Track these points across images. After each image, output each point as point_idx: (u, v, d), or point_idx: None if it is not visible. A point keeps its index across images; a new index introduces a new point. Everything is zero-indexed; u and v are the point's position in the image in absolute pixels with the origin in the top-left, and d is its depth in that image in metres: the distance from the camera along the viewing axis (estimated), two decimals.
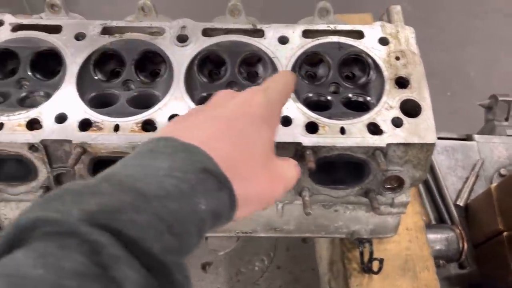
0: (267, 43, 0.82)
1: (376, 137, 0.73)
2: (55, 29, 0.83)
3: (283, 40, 0.83)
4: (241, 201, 0.47)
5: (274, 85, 0.57)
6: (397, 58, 0.81)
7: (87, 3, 2.78)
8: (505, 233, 1.11)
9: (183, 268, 0.39)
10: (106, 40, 0.82)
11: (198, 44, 0.82)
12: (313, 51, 0.82)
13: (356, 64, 0.84)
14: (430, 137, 0.73)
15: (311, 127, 0.74)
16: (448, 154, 1.41)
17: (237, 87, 0.80)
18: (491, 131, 1.49)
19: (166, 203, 0.40)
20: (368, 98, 0.80)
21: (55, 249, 0.34)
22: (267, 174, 0.51)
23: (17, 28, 0.83)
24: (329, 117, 0.75)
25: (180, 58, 0.80)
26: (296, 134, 0.73)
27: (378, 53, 0.81)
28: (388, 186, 0.79)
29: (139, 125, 0.73)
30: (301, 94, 0.79)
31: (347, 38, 0.83)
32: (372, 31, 0.84)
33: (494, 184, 1.21)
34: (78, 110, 0.74)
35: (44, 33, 0.82)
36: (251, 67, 0.85)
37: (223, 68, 0.84)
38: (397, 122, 0.74)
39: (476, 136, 1.45)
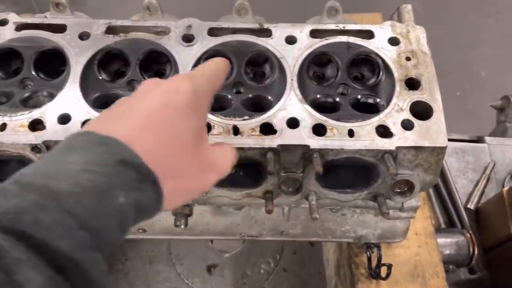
0: (274, 43, 0.81)
1: (385, 140, 0.71)
2: (59, 29, 0.82)
3: (290, 40, 0.81)
4: (169, 193, 0.46)
5: (202, 71, 0.56)
6: (408, 59, 0.79)
7: (96, 3, 2.78)
8: None
9: (100, 264, 0.38)
10: (111, 39, 0.81)
11: (204, 44, 0.80)
12: (321, 51, 0.80)
13: (365, 64, 0.82)
14: (441, 140, 0.71)
15: (319, 129, 0.72)
16: (459, 156, 1.39)
17: (243, 88, 0.79)
18: (503, 133, 1.46)
19: (80, 198, 0.39)
20: (378, 100, 0.78)
21: None
22: (196, 164, 0.50)
23: (21, 27, 0.82)
24: (337, 119, 0.73)
25: (186, 58, 0.79)
26: (303, 136, 0.71)
27: (388, 54, 0.79)
28: (398, 191, 0.77)
29: None
30: (309, 95, 0.77)
31: (356, 38, 0.81)
32: (382, 31, 0.82)
33: (506, 188, 1.18)
34: (82, 110, 0.73)
35: (48, 33, 0.81)
36: (258, 67, 0.84)
37: (229, 68, 0.82)
38: (407, 125, 0.72)
39: (488, 138, 1.42)
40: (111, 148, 0.43)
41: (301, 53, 0.80)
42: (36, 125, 0.72)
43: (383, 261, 0.91)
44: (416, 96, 0.75)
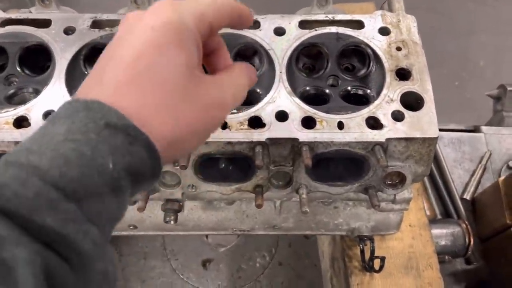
0: (263, 35, 0.79)
1: (375, 131, 0.70)
2: (44, 24, 0.81)
3: (279, 32, 0.80)
4: (170, 145, 0.43)
5: None
6: (398, 49, 0.77)
7: None
8: None
9: (90, 235, 0.37)
10: (96, 34, 0.79)
11: None
12: (310, 43, 0.79)
13: (356, 55, 0.81)
14: (432, 131, 0.70)
15: (308, 122, 0.71)
16: (455, 146, 1.37)
17: None
18: (499, 123, 1.45)
19: (64, 169, 0.37)
20: (368, 91, 0.77)
21: None
22: (195, 104, 0.45)
23: (5, 23, 0.81)
24: (327, 112, 0.72)
25: None
26: (292, 129, 0.70)
27: (378, 44, 0.78)
28: (389, 183, 0.76)
29: None
30: (298, 87, 0.76)
31: (346, 29, 0.80)
32: (372, 21, 0.81)
33: (502, 177, 1.17)
34: None
35: (33, 28, 0.80)
36: (247, 59, 0.82)
37: None
38: (397, 116, 0.71)
39: (484, 128, 1.41)
40: (94, 113, 0.40)
41: (290, 44, 0.78)
42: (21, 122, 0.71)
43: (377, 254, 0.91)
44: (407, 86, 0.74)
